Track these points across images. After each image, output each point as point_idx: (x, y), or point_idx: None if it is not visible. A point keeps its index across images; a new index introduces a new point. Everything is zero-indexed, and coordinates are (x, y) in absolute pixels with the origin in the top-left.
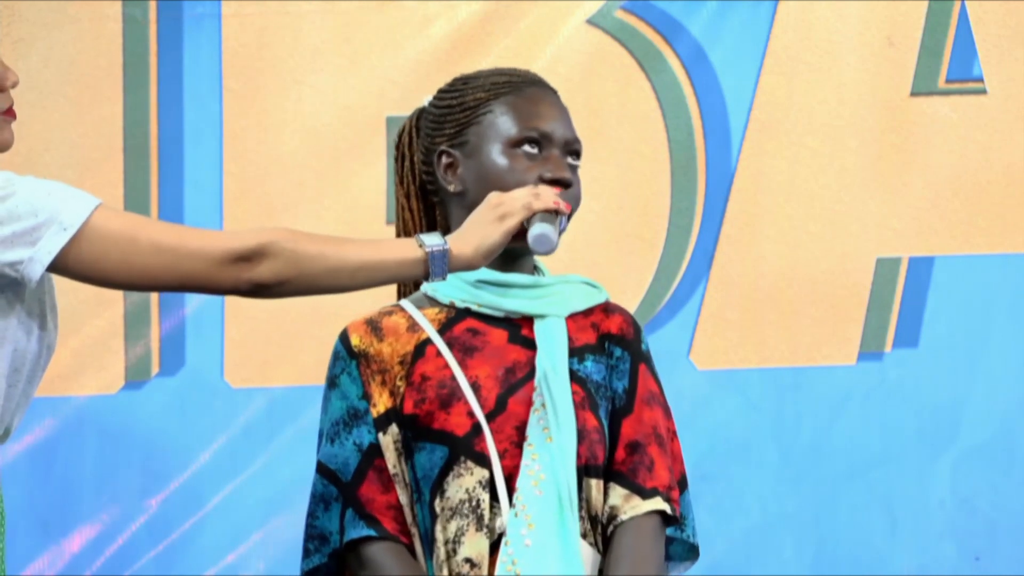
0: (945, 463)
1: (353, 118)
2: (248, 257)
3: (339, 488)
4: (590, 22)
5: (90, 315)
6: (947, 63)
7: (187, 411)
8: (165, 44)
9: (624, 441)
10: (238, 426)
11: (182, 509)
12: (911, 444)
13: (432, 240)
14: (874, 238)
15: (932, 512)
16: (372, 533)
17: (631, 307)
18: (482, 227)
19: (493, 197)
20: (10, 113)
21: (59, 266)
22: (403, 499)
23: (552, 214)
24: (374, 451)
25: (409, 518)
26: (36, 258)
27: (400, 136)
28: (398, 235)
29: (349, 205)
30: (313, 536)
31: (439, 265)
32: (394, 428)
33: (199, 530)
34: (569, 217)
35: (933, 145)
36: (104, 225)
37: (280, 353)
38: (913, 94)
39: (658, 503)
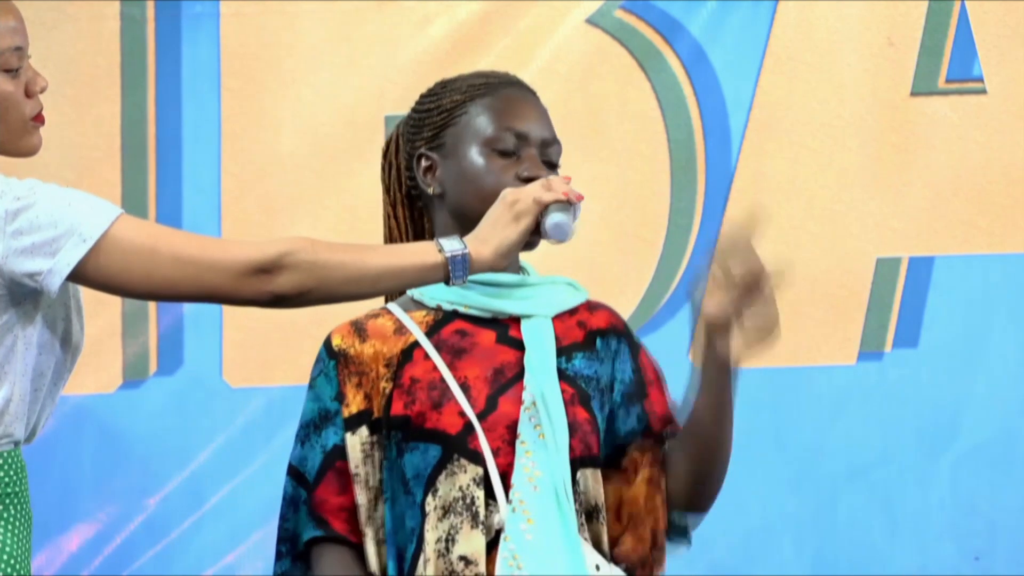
0: (945, 463)
1: (352, 118)
2: (268, 269)
3: (305, 489)
4: (590, 22)
5: (88, 314)
6: (947, 63)
7: (185, 410)
8: (163, 43)
9: (660, 418)
10: (237, 426)
11: (181, 509)
12: (911, 444)
13: (451, 244)
14: (874, 238)
15: (932, 512)
16: (319, 533)
17: (631, 307)
18: (500, 228)
19: (509, 195)
20: (39, 119)
21: (78, 277)
22: (361, 499)
23: (566, 204)
24: (337, 453)
25: (363, 519)
26: (55, 270)
27: (387, 145)
28: (386, 243)
29: (348, 204)
30: (284, 539)
31: (460, 269)
32: (364, 430)
33: (198, 530)
34: None
35: (933, 145)
36: (124, 236)
37: (279, 352)
38: (913, 94)
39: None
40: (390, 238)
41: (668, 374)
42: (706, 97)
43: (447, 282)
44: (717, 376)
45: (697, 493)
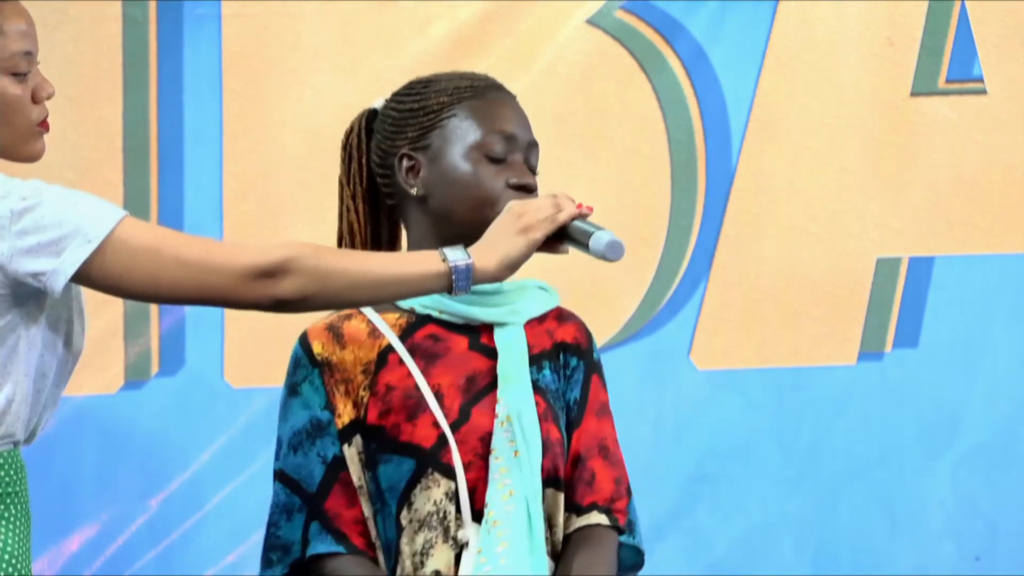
0: (945, 463)
1: (353, 118)
2: (271, 273)
3: (302, 498)
4: (590, 22)
5: (90, 315)
6: (947, 63)
7: (187, 411)
8: (165, 44)
9: (571, 455)
10: (238, 426)
11: (182, 509)
12: (911, 444)
13: (455, 254)
14: (874, 238)
15: (932, 512)
16: (340, 550)
17: (631, 308)
18: (505, 239)
19: (515, 207)
20: (44, 125)
21: (83, 278)
22: (367, 511)
23: (581, 217)
24: (339, 464)
25: (373, 532)
26: (60, 270)
27: (348, 137)
28: (340, 237)
29: None
30: (275, 546)
31: (463, 279)
32: (358, 439)
33: (199, 530)
34: None
35: (933, 145)
36: (128, 238)
37: (280, 353)
38: (913, 94)
39: (591, 518)
40: (348, 232)
41: (668, 374)
42: (706, 97)
43: (450, 292)
44: None
45: None
